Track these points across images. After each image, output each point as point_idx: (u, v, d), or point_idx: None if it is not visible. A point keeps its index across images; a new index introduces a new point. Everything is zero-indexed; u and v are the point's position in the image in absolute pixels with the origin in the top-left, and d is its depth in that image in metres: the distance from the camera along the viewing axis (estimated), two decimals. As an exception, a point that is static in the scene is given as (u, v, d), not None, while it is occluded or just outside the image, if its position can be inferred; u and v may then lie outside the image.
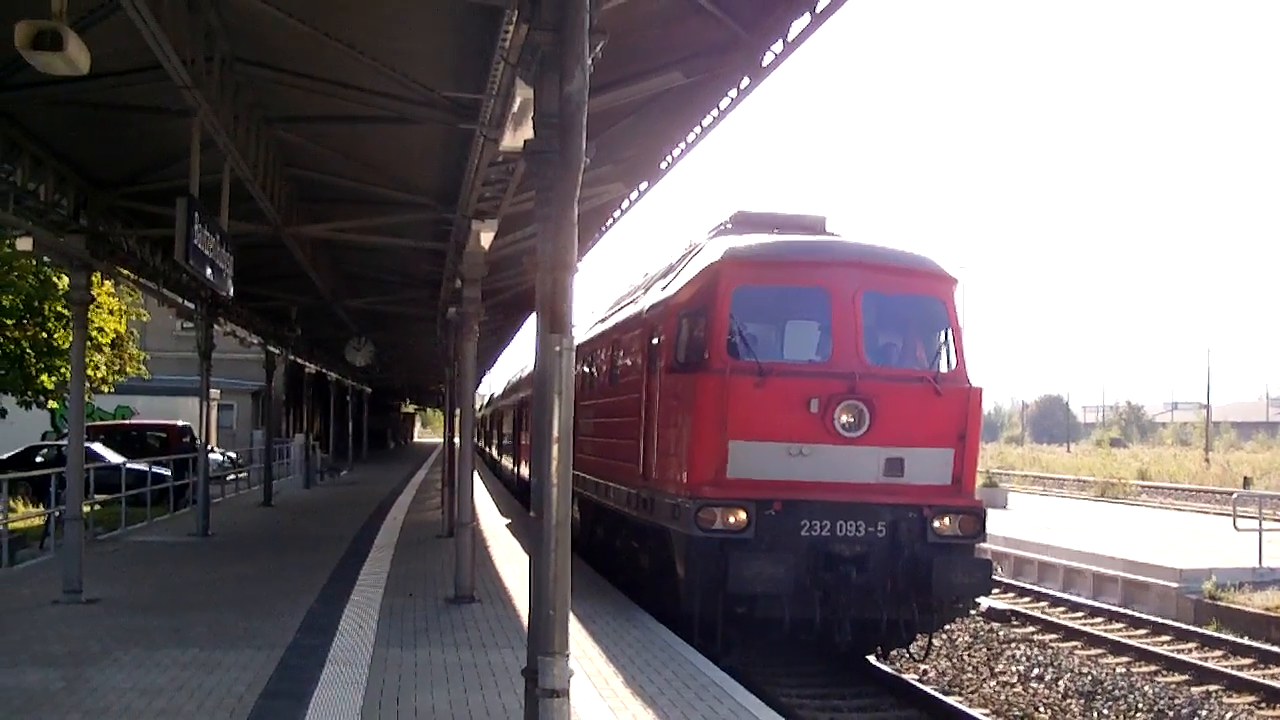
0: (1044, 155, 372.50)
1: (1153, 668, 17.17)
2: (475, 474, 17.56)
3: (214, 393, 34.27)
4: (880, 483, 13.68)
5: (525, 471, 30.94)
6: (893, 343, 14.78)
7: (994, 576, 15.65)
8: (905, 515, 13.61)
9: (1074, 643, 19.00)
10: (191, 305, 23.15)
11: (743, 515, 13.22)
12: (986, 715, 14.16)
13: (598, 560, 19.43)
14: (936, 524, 13.66)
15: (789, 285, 14.45)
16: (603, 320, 20.88)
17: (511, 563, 20.00)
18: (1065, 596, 23.20)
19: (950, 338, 14.52)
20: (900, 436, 13.75)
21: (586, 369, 20.66)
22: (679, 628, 13.91)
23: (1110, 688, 15.78)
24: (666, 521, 14.20)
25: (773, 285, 14.40)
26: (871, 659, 15.56)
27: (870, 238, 15.58)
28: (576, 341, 20.49)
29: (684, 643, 13.37)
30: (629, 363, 17.21)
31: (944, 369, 14.41)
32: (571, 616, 7.49)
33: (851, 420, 13.48)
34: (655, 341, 15.50)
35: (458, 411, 20.02)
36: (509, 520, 28.48)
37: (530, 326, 31.23)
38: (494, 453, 52.88)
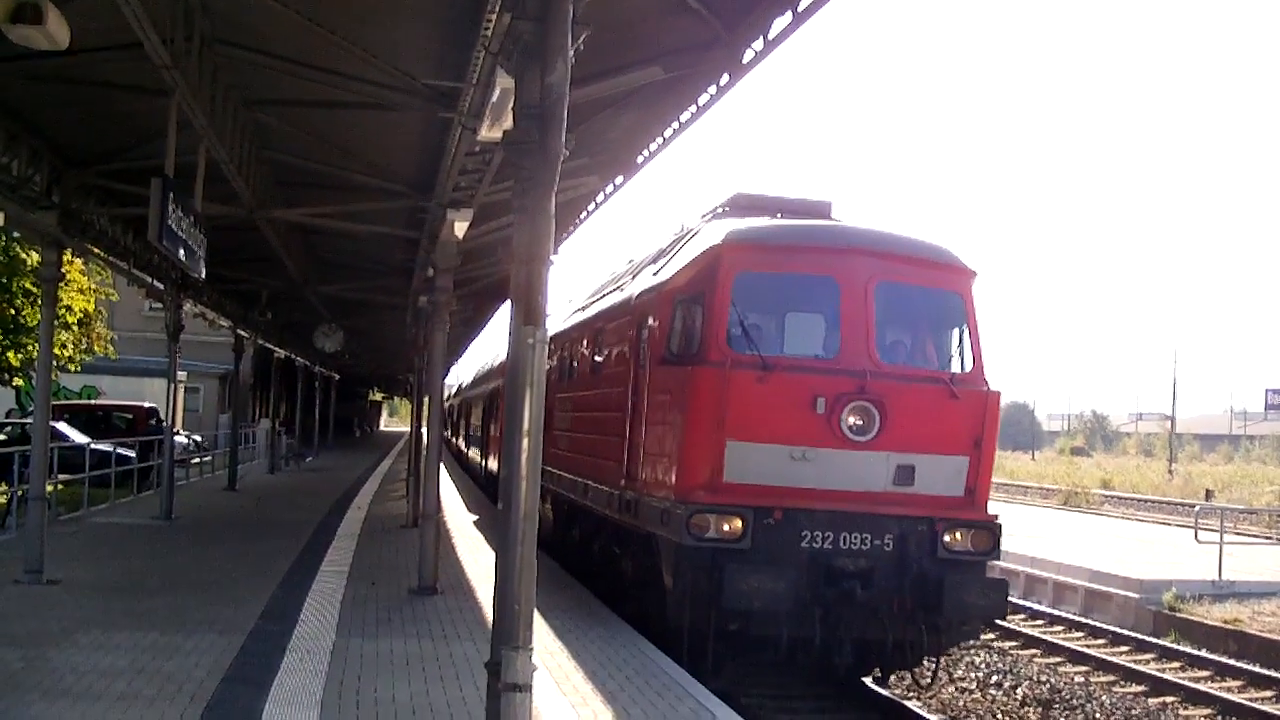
0: (1013, 167, 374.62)
1: (1111, 677, 17.28)
2: (441, 465, 17.45)
3: (181, 375, 34.09)
4: (889, 492, 12.75)
5: (494, 464, 30.64)
6: (906, 339, 13.88)
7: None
8: (914, 528, 12.70)
9: (1033, 650, 19.10)
10: (161, 286, 23.01)
11: (739, 523, 12.22)
12: (945, 720, 14.19)
13: (573, 563, 18.71)
14: (948, 538, 12.74)
15: (795, 273, 13.42)
16: (583, 308, 19.95)
17: (475, 555, 19.96)
18: (1025, 604, 23.28)
19: (968, 336, 13.57)
20: (912, 442, 12.79)
21: (565, 360, 19.71)
22: (664, 643, 13.03)
23: (1068, 696, 15.88)
24: (653, 527, 13.23)
25: (777, 272, 13.38)
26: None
27: (881, 225, 14.47)
28: (554, 330, 20.10)
29: (646, 641, 13.29)
30: (613, 353, 16.12)
31: (960, 369, 13.49)
32: (535, 611, 7.48)
33: (860, 423, 12.55)
34: (645, 331, 14.40)
35: (425, 401, 19.97)
36: (473, 512, 28.43)
37: (502, 316, 31.28)
38: (461, 444, 52.39)
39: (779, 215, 14.87)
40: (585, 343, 18.18)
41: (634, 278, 16.64)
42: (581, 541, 18.22)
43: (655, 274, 14.92)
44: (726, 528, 12.23)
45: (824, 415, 12.48)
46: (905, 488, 12.78)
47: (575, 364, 19.03)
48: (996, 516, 13.24)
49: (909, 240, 13.91)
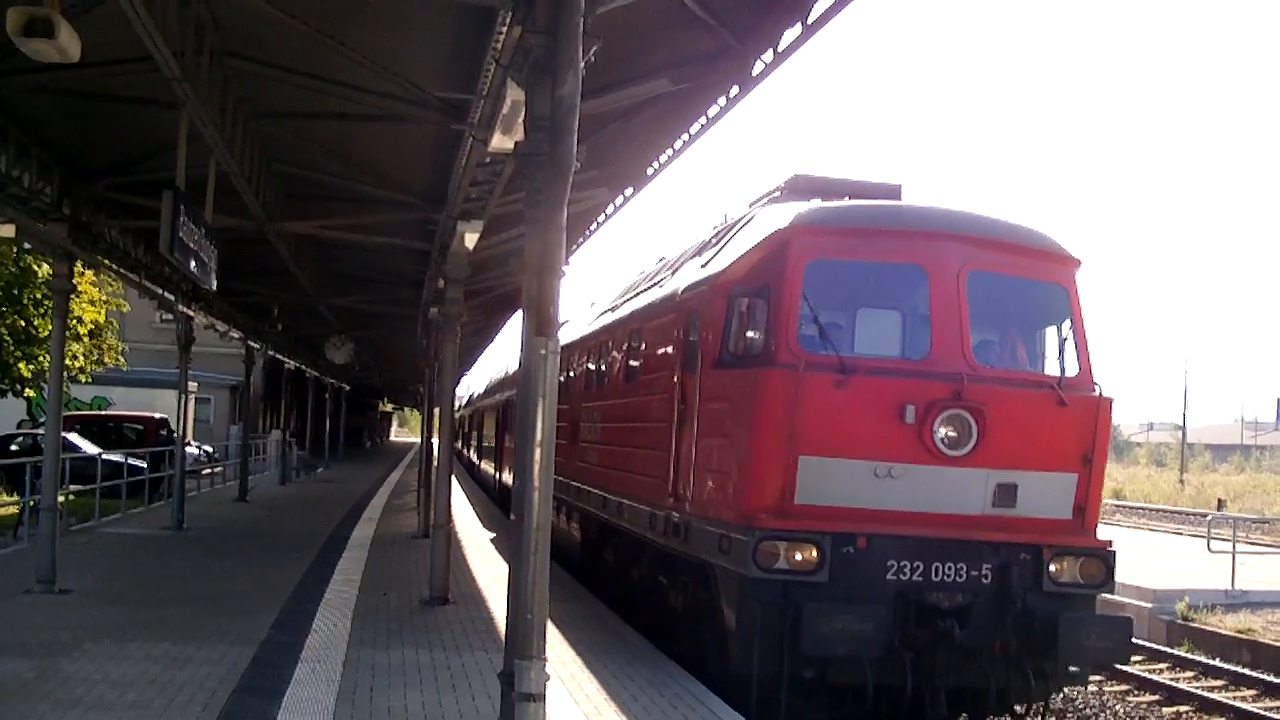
0: (1024, 176, 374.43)
1: (1124, 687, 17.20)
2: (453, 476, 17.40)
3: (192, 386, 34.17)
4: (987, 515, 11.04)
5: (506, 476, 30.35)
6: (1004, 337, 12.19)
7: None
8: (1017, 556, 10.96)
9: (1046, 660, 19.00)
10: (172, 297, 23.07)
11: (814, 552, 10.50)
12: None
13: (608, 591, 16.99)
14: (1054, 568, 11.08)
15: (875, 261, 11.61)
16: (613, 309, 18.09)
17: (487, 567, 19.93)
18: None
19: (1073, 334, 11.93)
20: (1014, 457, 11.09)
21: (592, 365, 18.11)
22: (725, 690, 11.25)
23: (1081, 706, 15.85)
24: (709, 555, 11.47)
25: (855, 260, 11.62)
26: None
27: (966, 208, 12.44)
28: (579, 334, 19.50)
29: (656, 649, 13.23)
30: (654, 356, 14.32)
31: (1066, 372, 11.84)
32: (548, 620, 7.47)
33: (955, 434, 10.82)
34: (695, 330, 12.64)
35: (436, 411, 19.95)
36: (485, 524, 28.40)
37: (513, 325, 31.30)
38: (472, 455, 52.13)
39: (845, 199, 13.05)
40: (617, 346, 16.49)
41: (674, 272, 14.93)
42: (616, 566, 16.67)
43: (704, 266, 13.21)
44: (800, 557, 10.56)
45: (913, 426, 10.81)
46: (1006, 510, 11.12)
47: (605, 369, 17.36)
48: (1109, 542, 11.59)
49: (1004, 224, 12.11)
